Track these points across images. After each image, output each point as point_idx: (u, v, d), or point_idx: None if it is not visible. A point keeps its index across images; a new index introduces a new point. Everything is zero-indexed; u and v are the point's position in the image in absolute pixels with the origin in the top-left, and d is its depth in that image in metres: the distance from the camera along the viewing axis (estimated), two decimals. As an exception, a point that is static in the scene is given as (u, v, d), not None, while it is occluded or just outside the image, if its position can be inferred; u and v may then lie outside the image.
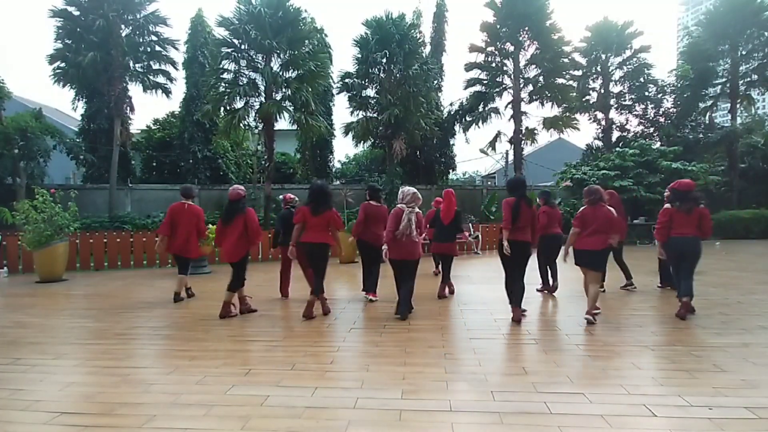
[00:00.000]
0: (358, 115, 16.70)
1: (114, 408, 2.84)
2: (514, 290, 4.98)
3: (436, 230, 6.49)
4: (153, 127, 19.42)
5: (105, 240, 10.32)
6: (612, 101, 20.17)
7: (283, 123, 15.01)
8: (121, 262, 10.31)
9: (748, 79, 19.22)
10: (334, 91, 18.26)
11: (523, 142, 18.08)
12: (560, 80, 17.72)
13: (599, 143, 20.69)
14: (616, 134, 20.58)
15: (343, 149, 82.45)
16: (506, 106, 18.03)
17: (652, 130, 19.98)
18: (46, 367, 3.65)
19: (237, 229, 5.30)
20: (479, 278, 8.36)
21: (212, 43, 14.96)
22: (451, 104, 19.95)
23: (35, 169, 14.36)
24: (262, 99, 14.03)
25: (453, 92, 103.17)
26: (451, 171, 22.12)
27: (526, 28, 17.14)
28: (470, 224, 13.66)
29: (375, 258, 5.99)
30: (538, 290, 6.54)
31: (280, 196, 7.00)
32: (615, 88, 20.24)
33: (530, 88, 17.81)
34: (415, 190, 5.26)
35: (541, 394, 2.96)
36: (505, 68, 17.91)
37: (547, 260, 6.51)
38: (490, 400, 2.91)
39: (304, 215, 5.20)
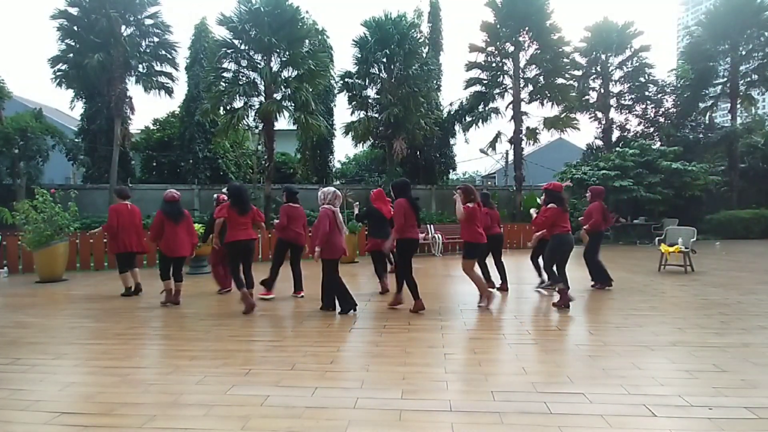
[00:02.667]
0: (358, 114, 16.73)
1: (114, 408, 2.84)
2: (414, 283, 5.43)
3: (382, 227, 6.40)
4: (152, 128, 19.43)
5: (105, 240, 10.30)
6: (612, 101, 20.14)
7: (283, 123, 15.05)
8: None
9: (748, 79, 19.19)
10: (335, 91, 18.30)
11: (524, 142, 18.08)
12: (560, 80, 17.70)
13: (599, 143, 20.68)
14: (616, 134, 20.57)
15: (343, 149, 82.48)
16: (507, 107, 18.03)
17: (652, 130, 19.96)
18: (46, 367, 3.65)
19: (184, 229, 6.11)
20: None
21: (212, 43, 14.99)
22: (451, 104, 19.98)
23: (35, 169, 14.37)
24: (262, 99, 14.04)
25: (452, 92, 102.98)
26: (451, 171, 22.12)
27: (527, 28, 17.12)
28: None
29: (298, 256, 6.48)
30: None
31: (215, 195, 7.14)
32: (615, 88, 20.22)
33: (530, 88, 17.80)
34: (335, 189, 5.50)
35: (541, 394, 2.96)
36: (505, 68, 17.90)
37: (495, 258, 6.88)
38: (490, 400, 2.91)
39: (230, 214, 5.60)
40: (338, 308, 5.47)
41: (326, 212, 5.24)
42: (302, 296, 6.41)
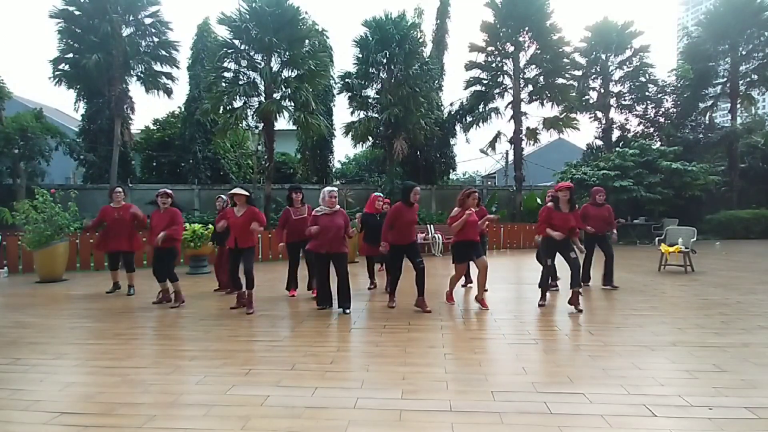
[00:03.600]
0: (358, 115, 16.73)
1: (114, 408, 2.84)
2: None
3: (375, 232, 6.43)
4: (152, 128, 19.44)
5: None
6: (612, 101, 20.14)
7: (283, 123, 15.05)
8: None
9: (748, 79, 19.18)
10: (335, 91, 18.30)
11: (524, 142, 18.08)
12: (560, 80, 17.70)
13: (599, 143, 20.68)
14: (616, 134, 20.57)
15: (344, 149, 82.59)
16: (506, 106, 18.04)
17: (652, 130, 19.97)
18: (46, 367, 3.65)
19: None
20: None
21: (213, 43, 15.00)
22: (451, 104, 19.97)
23: (39, 170, 14.38)
24: (262, 99, 14.05)
25: (455, 90, 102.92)
26: (451, 171, 22.12)
27: (527, 29, 17.12)
28: None
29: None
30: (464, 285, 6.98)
31: (223, 196, 7.10)
32: (615, 88, 20.20)
33: (530, 88, 17.80)
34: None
35: (541, 394, 2.97)
36: (505, 68, 17.90)
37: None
38: (490, 400, 2.91)
39: None
40: (335, 305, 5.58)
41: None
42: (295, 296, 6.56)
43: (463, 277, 6.79)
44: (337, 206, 5.50)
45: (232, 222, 5.55)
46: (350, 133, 16.67)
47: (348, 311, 5.39)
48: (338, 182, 21.98)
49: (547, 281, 5.82)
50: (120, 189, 7.18)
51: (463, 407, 2.81)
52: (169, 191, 6.12)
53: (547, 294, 5.80)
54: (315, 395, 3.00)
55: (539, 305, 5.63)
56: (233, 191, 5.67)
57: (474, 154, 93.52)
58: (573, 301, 5.43)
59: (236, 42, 13.86)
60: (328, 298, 5.63)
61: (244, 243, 5.52)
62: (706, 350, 3.87)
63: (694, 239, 8.93)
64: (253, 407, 2.82)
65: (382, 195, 7.04)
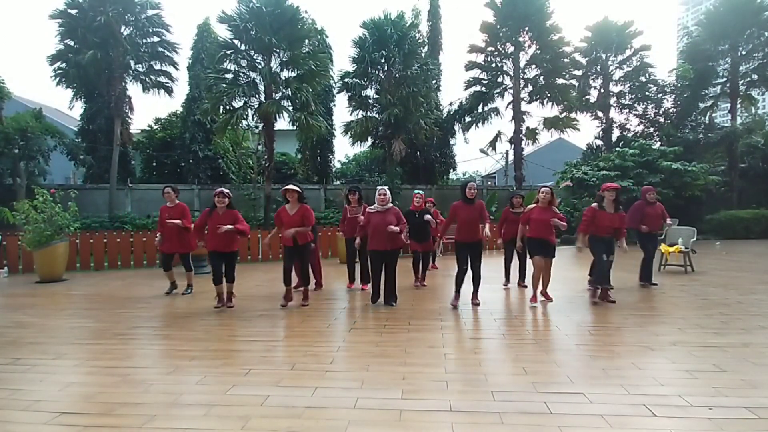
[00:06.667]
0: (357, 114, 16.74)
1: (114, 408, 2.84)
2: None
3: (415, 229, 6.96)
4: (155, 127, 19.43)
5: (105, 240, 10.32)
6: (612, 101, 20.14)
7: (283, 123, 15.05)
8: (121, 262, 10.30)
9: (748, 79, 19.16)
10: (335, 91, 18.31)
11: (524, 142, 18.09)
12: (560, 80, 17.71)
13: (599, 143, 20.68)
14: (616, 134, 20.57)
15: (344, 149, 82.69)
16: (507, 107, 18.05)
17: (652, 130, 19.96)
18: (46, 367, 3.65)
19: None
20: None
21: (213, 44, 15.01)
22: (450, 104, 20.00)
23: (35, 169, 14.38)
24: (262, 99, 14.04)
25: (451, 92, 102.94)
26: (451, 171, 22.12)
27: (527, 29, 17.13)
28: None
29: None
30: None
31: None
32: (615, 88, 20.20)
33: (530, 88, 17.81)
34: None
35: (541, 394, 2.97)
36: (505, 68, 17.91)
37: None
38: (490, 400, 2.91)
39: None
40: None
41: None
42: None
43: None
44: (389, 204, 5.67)
45: (287, 220, 5.47)
46: (349, 133, 16.67)
47: (394, 304, 5.65)
48: (338, 182, 21.98)
49: (606, 276, 5.67)
50: (170, 189, 6.71)
51: (463, 407, 2.81)
52: (227, 191, 5.74)
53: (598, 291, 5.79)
54: (315, 395, 3.00)
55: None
56: (287, 187, 5.51)
57: (474, 154, 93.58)
58: (603, 296, 5.75)
59: (236, 42, 13.87)
60: (379, 293, 5.82)
61: (303, 239, 5.57)
62: (706, 350, 3.87)
63: (694, 239, 8.94)
64: (253, 407, 2.82)
65: (421, 192, 7.30)
